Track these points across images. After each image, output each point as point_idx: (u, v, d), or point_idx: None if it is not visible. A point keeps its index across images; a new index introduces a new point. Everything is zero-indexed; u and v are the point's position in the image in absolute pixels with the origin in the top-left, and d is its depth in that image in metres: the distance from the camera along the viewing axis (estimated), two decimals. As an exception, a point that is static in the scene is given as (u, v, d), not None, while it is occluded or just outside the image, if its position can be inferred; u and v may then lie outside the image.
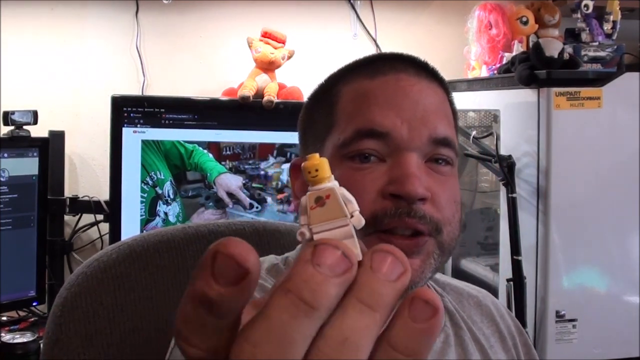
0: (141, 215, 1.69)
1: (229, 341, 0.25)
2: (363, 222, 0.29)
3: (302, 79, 1.77)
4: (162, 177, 1.70)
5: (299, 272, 0.24)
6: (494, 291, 1.61)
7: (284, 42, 1.84)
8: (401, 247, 0.57)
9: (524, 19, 1.92)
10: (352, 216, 0.30)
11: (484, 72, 1.91)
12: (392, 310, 0.25)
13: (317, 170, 0.30)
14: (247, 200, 1.76)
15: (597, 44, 1.70)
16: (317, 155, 0.31)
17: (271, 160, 1.77)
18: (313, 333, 0.24)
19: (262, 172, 1.77)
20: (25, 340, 1.48)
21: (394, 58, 0.73)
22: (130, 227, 1.67)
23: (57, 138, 1.74)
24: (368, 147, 0.67)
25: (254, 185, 1.76)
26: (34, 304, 1.66)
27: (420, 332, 0.25)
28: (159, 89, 1.93)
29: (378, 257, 0.26)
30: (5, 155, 1.56)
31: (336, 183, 0.30)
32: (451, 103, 0.75)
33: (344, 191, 0.30)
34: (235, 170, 1.75)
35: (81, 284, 0.77)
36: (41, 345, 1.36)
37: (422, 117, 0.68)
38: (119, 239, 1.56)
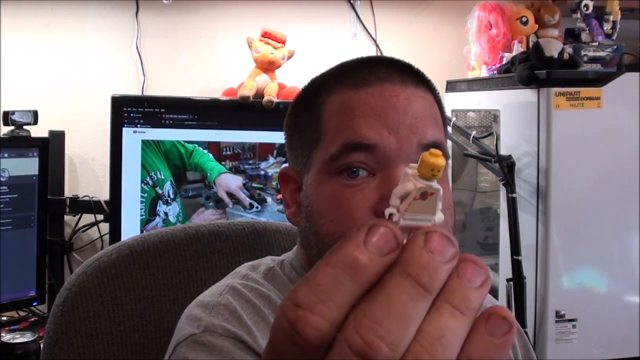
0: (141, 215, 1.69)
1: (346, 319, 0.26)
2: (443, 218, 0.31)
3: (302, 79, 1.75)
4: (162, 177, 1.70)
5: (416, 257, 0.27)
6: (494, 291, 1.61)
7: (284, 42, 1.84)
8: None
9: (524, 19, 1.92)
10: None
11: (484, 72, 1.91)
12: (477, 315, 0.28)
13: (439, 171, 0.31)
14: (247, 200, 1.76)
15: (597, 44, 1.70)
16: (442, 155, 0.31)
17: (271, 160, 1.77)
18: (425, 313, 0.26)
19: (262, 172, 1.77)
20: (25, 340, 1.48)
21: (378, 64, 0.72)
22: (130, 227, 1.67)
23: (57, 138, 1.74)
24: (356, 161, 0.66)
25: (254, 185, 1.76)
26: (34, 304, 1.66)
27: (496, 347, 0.27)
28: (159, 89, 1.93)
29: (463, 266, 0.28)
30: (5, 155, 1.56)
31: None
32: (439, 104, 0.75)
33: (441, 192, 0.32)
34: (235, 170, 1.75)
35: (82, 284, 0.77)
36: (41, 345, 1.36)
37: (410, 125, 0.67)
38: (119, 239, 1.56)
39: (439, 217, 0.31)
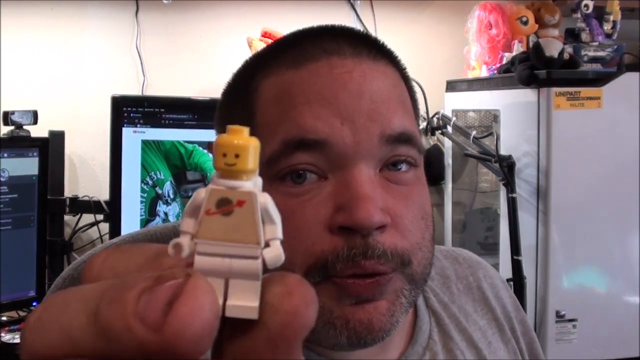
0: (141, 215, 1.69)
1: None
2: (282, 259, 0.20)
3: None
4: (162, 177, 1.70)
5: None
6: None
7: (284, 42, 1.84)
8: (359, 291, 0.50)
9: (524, 19, 1.92)
10: (267, 245, 0.20)
11: (484, 72, 1.91)
12: None
13: (237, 156, 0.20)
14: (247, 200, 1.76)
15: (597, 44, 1.70)
16: (244, 129, 0.20)
17: (271, 160, 1.77)
18: None
19: (262, 172, 1.76)
20: (25, 340, 1.48)
21: (324, 34, 0.56)
22: (130, 227, 1.67)
23: (57, 138, 1.74)
24: (301, 163, 0.51)
25: (254, 185, 1.76)
26: (34, 304, 1.66)
27: None
28: (159, 89, 1.93)
29: None
30: (5, 155, 1.56)
31: (259, 185, 0.21)
32: (407, 82, 0.59)
33: (268, 203, 0.20)
34: (235, 170, 1.75)
35: (68, 287, 0.76)
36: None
37: (368, 111, 0.52)
38: (119, 239, 1.55)
39: (274, 255, 0.20)
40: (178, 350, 0.18)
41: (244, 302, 0.19)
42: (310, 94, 0.52)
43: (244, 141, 0.20)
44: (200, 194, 0.20)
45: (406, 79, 0.59)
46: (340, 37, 0.56)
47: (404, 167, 0.54)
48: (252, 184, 0.20)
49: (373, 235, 0.50)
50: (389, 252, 0.50)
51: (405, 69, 0.59)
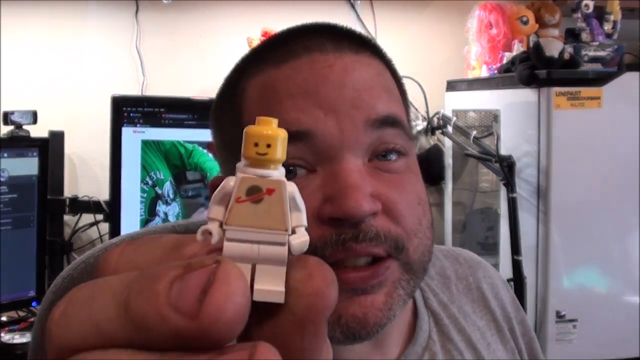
0: (141, 215, 1.69)
1: None
2: (306, 246, 0.21)
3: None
4: (162, 177, 1.70)
5: None
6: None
7: (284, 42, 1.84)
8: (355, 283, 0.49)
9: (524, 19, 1.92)
10: (293, 232, 0.21)
11: (484, 72, 1.91)
12: None
13: (269, 146, 0.20)
14: (247, 200, 1.76)
15: (597, 43, 1.70)
16: (273, 120, 0.21)
17: (271, 160, 1.76)
18: None
19: (262, 172, 1.76)
20: (25, 340, 1.48)
21: (306, 32, 0.56)
22: (130, 227, 1.67)
23: (57, 138, 1.74)
24: (289, 157, 0.47)
25: (254, 185, 1.76)
26: (34, 304, 1.66)
27: None
28: (158, 88, 1.93)
29: None
30: (5, 155, 1.56)
31: (283, 174, 0.21)
32: (394, 73, 0.58)
33: (295, 192, 0.21)
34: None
35: (67, 286, 0.75)
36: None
37: (351, 99, 0.51)
38: (119, 239, 1.55)
39: (299, 242, 0.21)
40: (213, 336, 0.19)
41: (271, 286, 0.20)
42: (292, 88, 0.52)
43: (275, 132, 0.21)
44: (230, 182, 0.21)
45: (393, 71, 0.58)
46: (322, 34, 0.55)
47: (393, 156, 0.53)
48: (279, 173, 0.21)
49: (365, 222, 0.49)
50: (382, 234, 0.49)
51: (391, 61, 0.59)
